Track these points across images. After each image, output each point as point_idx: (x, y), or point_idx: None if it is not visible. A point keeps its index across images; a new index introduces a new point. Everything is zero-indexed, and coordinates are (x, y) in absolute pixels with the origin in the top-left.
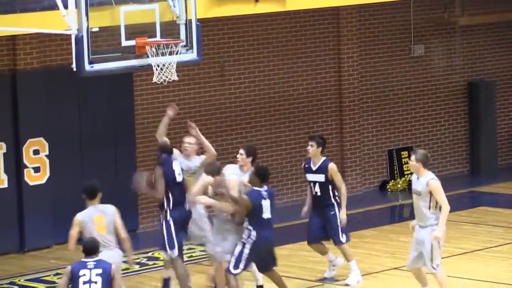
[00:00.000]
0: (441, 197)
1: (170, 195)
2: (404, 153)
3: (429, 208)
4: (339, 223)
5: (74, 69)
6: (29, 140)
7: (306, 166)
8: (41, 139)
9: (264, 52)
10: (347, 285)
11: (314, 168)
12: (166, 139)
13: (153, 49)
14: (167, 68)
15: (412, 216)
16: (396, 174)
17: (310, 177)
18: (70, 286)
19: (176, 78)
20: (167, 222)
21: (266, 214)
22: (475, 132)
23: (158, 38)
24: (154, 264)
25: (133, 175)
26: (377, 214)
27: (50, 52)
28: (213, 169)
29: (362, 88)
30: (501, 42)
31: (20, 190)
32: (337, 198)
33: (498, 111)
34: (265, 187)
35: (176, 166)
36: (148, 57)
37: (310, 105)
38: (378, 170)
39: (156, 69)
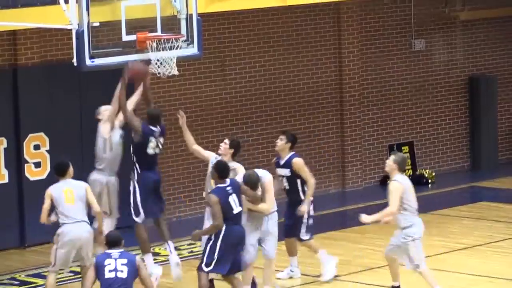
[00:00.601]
0: (392, 197)
1: (139, 160)
2: (405, 148)
3: (404, 208)
4: (304, 220)
5: (75, 64)
6: (29, 135)
7: (277, 160)
8: (42, 134)
9: (265, 47)
10: (325, 282)
11: (281, 163)
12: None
13: (154, 43)
14: (167, 63)
15: None
16: None
17: (279, 171)
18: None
19: (176, 72)
20: (134, 188)
21: (236, 209)
22: (476, 126)
23: (159, 32)
24: (154, 260)
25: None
26: (378, 209)
27: (51, 47)
28: (255, 181)
29: (363, 83)
30: (502, 36)
31: (21, 185)
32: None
33: (499, 106)
34: (228, 181)
35: (153, 141)
36: (148, 51)
37: (311, 99)
38: (379, 165)
39: (157, 63)
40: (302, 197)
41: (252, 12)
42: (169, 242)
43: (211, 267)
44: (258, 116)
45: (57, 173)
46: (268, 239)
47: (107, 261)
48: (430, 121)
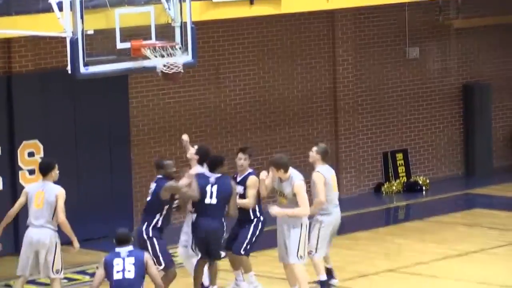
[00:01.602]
0: (317, 188)
1: None
2: (399, 155)
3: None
4: (247, 238)
5: (69, 72)
6: (24, 142)
7: (234, 176)
8: (36, 141)
9: (259, 55)
10: None
11: (238, 179)
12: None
13: (148, 51)
14: (173, 66)
15: (406, 218)
16: (391, 176)
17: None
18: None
19: (181, 70)
20: None
21: (207, 199)
22: (470, 134)
23: (153, 40)
24: None
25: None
26: (372, 216)
27: (45, 54)
28: (285, 163)
29: (357, 91)
30: (496, 44)
31: (15, 192)
32: (258, 214)
33: (492, 113)
34: (216, 175)
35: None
36: (143, 59)
37: (305, 107)
38: (373, 172)
39: (165, 66)
40: (252, 217)
41: (247, 20)
42: None
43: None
44: (253, 124)
45: (40, 171)
46: (287, 243)
47: (115, 261)
48: (424, 129)
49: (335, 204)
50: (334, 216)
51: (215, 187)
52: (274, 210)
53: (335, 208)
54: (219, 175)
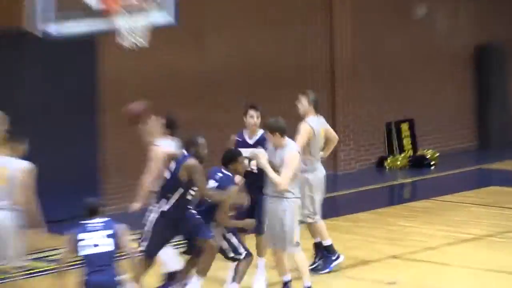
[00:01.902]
0: (299, 137)
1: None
2: (404, 126)
3: (309, 152)
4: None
5: (34, 33)
6: None
7: (239, 140)
8: None
9: (249, 18)
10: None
11: (251, 142)
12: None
13: (123, 10)
14: (138, 32)
15: (412, 197)
16: (395, 149)
17: (246, 152)
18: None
19: (145, 43)
20: None
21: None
22: (484, 101)
23: None
24: None
25: None
26: (374, 195)
27: (6, 14)
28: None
29: (358, 55)
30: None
31: None
32: None
33: (509, 78)
34: (224, 173)
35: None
36: (116, 19)
37: (298, 76)
38: (374, 145)
39: (126, 33)
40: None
41: None
42: None
43: None
44: (239, 93)
45: (3, 144)
46: (279, 231)
47: (86, 235)
48: (433, 96)
49: (318, 159)
50: (319, 173)
51: (216, 185)
52: (261, 158)
53: (319, 164)
54: (227, 174)
